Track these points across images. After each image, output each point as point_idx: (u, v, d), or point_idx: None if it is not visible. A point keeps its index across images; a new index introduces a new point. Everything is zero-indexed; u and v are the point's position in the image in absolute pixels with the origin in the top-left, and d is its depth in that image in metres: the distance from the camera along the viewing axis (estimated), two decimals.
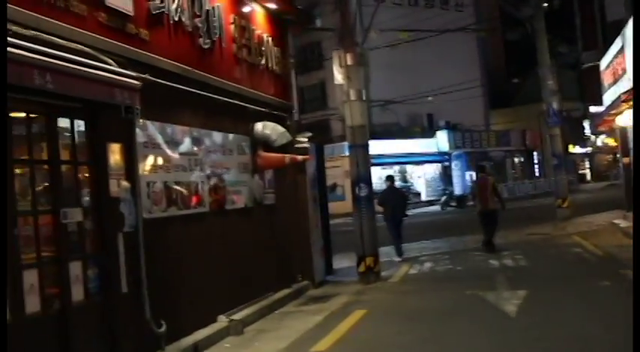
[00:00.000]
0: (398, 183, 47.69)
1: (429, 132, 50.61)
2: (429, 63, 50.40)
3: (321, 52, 53.48)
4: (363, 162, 13.34)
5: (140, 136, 7.65)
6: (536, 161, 59.42)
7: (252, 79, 11.45)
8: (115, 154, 7.17)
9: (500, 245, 17.45)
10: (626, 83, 16.71)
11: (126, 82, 6.98)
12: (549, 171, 60.04)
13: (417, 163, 48.93)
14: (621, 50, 17.21)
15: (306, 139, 13.66)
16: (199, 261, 8.88)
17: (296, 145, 12.97)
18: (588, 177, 66.18)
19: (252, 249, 10.65)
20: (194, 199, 8.87)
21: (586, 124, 64.97)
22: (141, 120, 7.56)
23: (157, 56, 8.17)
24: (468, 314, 9.35)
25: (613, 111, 18.13)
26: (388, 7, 46.52)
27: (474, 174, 50.68)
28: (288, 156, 11.49)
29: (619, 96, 16.13)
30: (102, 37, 7.09)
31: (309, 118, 51.64)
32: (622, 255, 14.08)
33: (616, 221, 20.27)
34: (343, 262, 15.25)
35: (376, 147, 45.98)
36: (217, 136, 9.83)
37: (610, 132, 69.78)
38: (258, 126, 11.16)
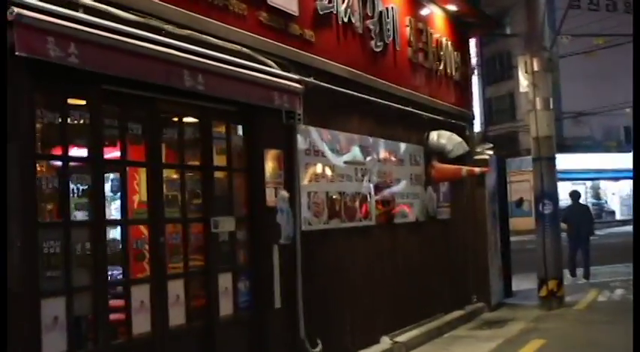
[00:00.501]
0: (590, 201, 45.32)
1: (625, 146, 47.37)
2: (626, 71, 47.22)
3: (511, 61, 51.68)
4: (548, 176, 12.27)
5: (302, 143, 7.22)
6: None
7: (428, 85, 10.79)
8: (273, 161, 6.78)
9: None
10: None
11: (286, 84, 6.60)
12: None
13: (611, 179, 45.91)
14: None
15: (487, 151, 12.79)
16: (362, 276, 8.33)
17: (475, 157, 12.16)
18: None
19: (422, 266, 9.97)
20: (360, 211, 8.33)
21: None
22: (303, 126, 7.16)
23: (322, 59, 7.72)
24: None
25: None
26: (583, 12, 44.21)
27: None
28: (464, 168, 10.70)
29: None
30: (261, 38, 6.72)
31: (497, 130, 50.13)
32: None
33: None
34: (524, 283, 14.13)
35: (567, 161, 43.94)
36: (388, 145, 9.24)
37: None
38: (433, 135, 10.48)
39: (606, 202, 44.62)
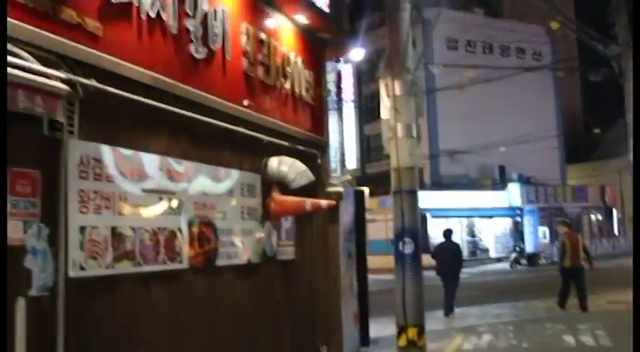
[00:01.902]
0: (466, 238, 45.17)
1: (500, 184, 47.77)
2: (501, 112, 48.01)
3: None
4: (409, 211, 10.95)
5: (74, 163, 5.52)
6: (615, 219, 55.68)
7: (270, 104, 9.30)
8: (23, 185, 5.04)
9: (576, 315, 14.80)
10: None
11: (41, 83, 4.91)
12: (629, 230, 56.65)
13: (486, 217, 45.99)
14: None
15: (342, 182, 11.42)
16: (168, 337, 6.61)
17: (328, 189, 10.74)
18: None
19: (255, 317, 8.38)
20: (164, 252, 6.64)
21: None
22: (78, 141, 5.49)
23: (114, 58, 6.06)
24: None
25: None
26: (460, 55, 44.41)
27: (547, 230, 47.60)
28: (309, 201, 9.21)
29: None
30: (16, 21, 5.03)
31: (375, 167, 49.56)
32: None
33: None
34: (389, 329, 12.72)
35: (443, 198, 43.78)
36: (210, 171, 7.64)
37: None
38: (273, 162, 8.96)
39: (480, 240, 44.51)
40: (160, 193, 6.66)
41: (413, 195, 11.04)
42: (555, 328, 13.03)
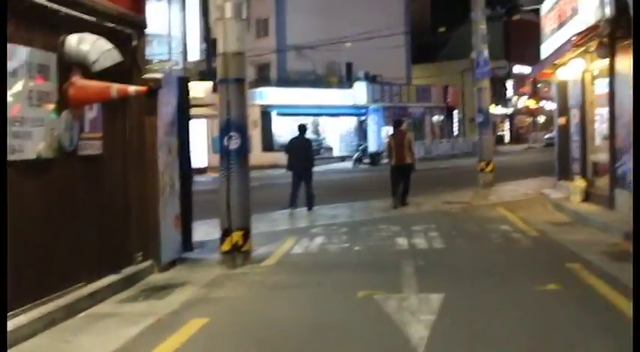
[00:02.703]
0: (311, 137, 44.79)
1: (346, 82, 47.42)
2: (351, 8, 47.11)
3: None
4: (237, 102, 9.90)
5: None
6: (455, 120, 57.17)
7: None
8: None
9: (412, 216, 14.51)
10: (578, 25, 13.68)
11: None
12: (469, 131, 58.47)
13: (331, 115, 45.69)
14: None
15: (165, 69, 10.15)
16: None
17: (145, 75, 9.45)
18: (507, 138, 64.45)
19: (48, 221, 7.19)
20: None
21: (509, 84, 63.22)
22: None
23: None
24: (351, 342, 6.11)
25: (557, 61, 15.17)
26: None
27: (390, 129, 48.00)
28: (115, 87, 7.93)
29: (569, 40, 13.13)
30: None
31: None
32: (559, 237, 11.31)
33: (545, 191, 17.58)
34: (217, 232, 11.82)
35: (289, 96, 42.97)
36: None
37: (531, 94, 68.84)
38: (72, 39, 7.59)
39: (325, 138, 44.29)
40: None
41: (240, 84, 9.98)
42: (390, 230, 12.60)
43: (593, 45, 13.33)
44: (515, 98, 66.08)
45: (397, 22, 49.49)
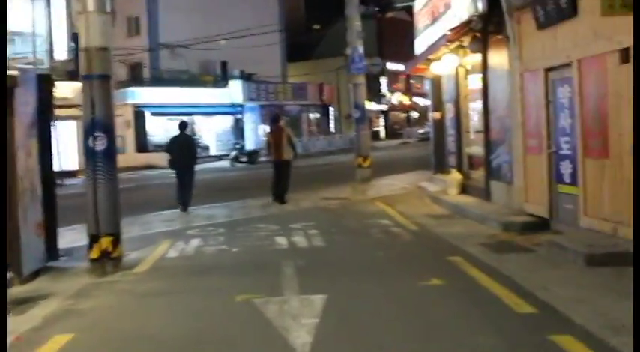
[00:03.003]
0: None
1: (221, 81, 46.68)
2: (224, 5, 46.53)
3: None
4: (102, 101, 9.25)
5: None
6: (332, 117, 57.48)
7: None
8: None
9: (290, 214, 14.23)
10: (451, 21, 13.74)
11: None
12: (345, 128, 58.87)
13: (207, 114, 44.81)
14: None
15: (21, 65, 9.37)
16: None
17: None
18: (382, 134, 65.41)
19: None
20: None
21: (383, 81, 64.15)
22: None
23: None
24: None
25: (431, 56, 15.24)
26: None
27: (267, 127, 47.59)
28: None
29: (443, 35, 13.16)
30: None
31: None
32: (439, 230, 11.33)
33: (422, 184, 17.71)
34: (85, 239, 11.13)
35: (162, 95, 41.81)
36: None
37: (404, 90, 70.22)
38: None
39: (201, 137, 43.36)
40: None
41: (105, 81, 9.35)
42: (268, 229, 12.24)
43: (466, 40, 13.44)
44: (389, 94, 67.16)
45: (271, 20, 49.20)
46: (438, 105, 17.92)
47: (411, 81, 72.46)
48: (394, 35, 58.54)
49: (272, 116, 18.72)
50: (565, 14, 9.62)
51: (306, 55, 62.07)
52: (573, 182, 9.79)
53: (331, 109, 57.12)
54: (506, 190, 12.52)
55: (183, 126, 16.37)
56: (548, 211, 10.53)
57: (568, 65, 9.74)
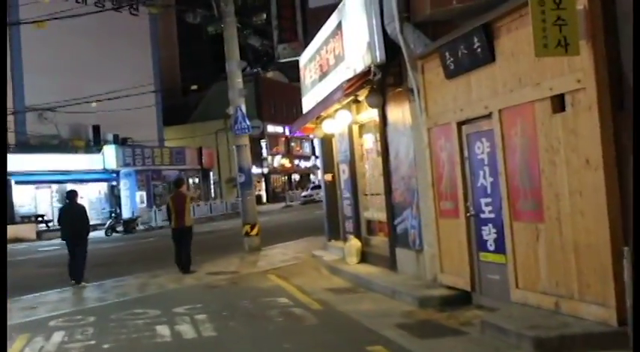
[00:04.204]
0: (57, 206, 41.00)
1: (94, 146, 44.28)
2: (96, 66, 44.52)
3: None
4: None
5: None
6: (212, 181, 55.75)
7: None
8: None
9: (173, 293, 12.50)
10: (344, 73, 12.57)
11: None
12: (226, 193, 57.21)
13: (79, 182, 42.05)
14: (338, 28, 13.05)
15: None
16: None
17: None
18: (264, 198, 64.09)
19: None
20: None
21: (263, 144, 63.17)
22: None
23: None
24: None
25: (322, 113, 13.99)
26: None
27: (144, 194, 45.42)
28: None
29: (339, 86, 11.92)
30: None
31: None
32: (346, 308, 9.91)
33: (316, 253, 16.34)
34: None
35: (30, 162, 38.96)
36: None
37: (285, 153, 69.49)
38: None
39: None
40: None
41: None
42: (148, 315, 10.36)
43: (362, 94, 12.30)
44: (270, 158, 66.17)
45: (147, 80, 47.30)
46: (330, 167, 16.72)
47: (291, 143, 71.97)
48: (272, 97, 57.98)
49: (175, 180, 18.76)
50: (480, 59, 8.56)
51: (183, 119, 60.64)
52: (499, 249, 8.59)
53: (211, 174, 55.44)
54: (415, 259, 11.27)
55: (72, 195, 15.75)
56: (470, 283, 9.29)
57: (486, 116, 8.63)
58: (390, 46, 10.91)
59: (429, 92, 10.17)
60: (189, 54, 71.25)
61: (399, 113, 11.52)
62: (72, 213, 15.19)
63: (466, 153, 9.30)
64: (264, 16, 52.42)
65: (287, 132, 69.94)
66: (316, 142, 20.37)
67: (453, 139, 9.53)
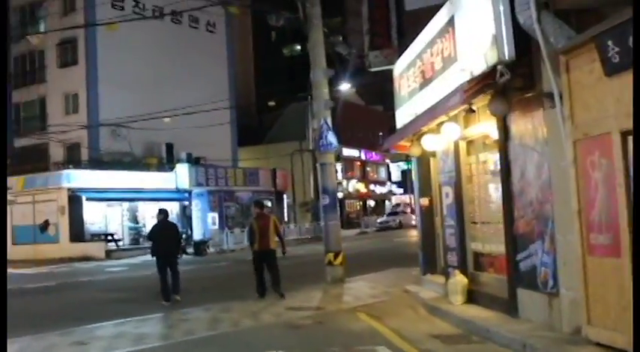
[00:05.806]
0: (128, 224, 40.01)
1: (167, 164, 43.17)
2: (170, 82, 43.69)
3: (44, 61, 44.53)
4: None
5: None
6: (285, 205, 54.02)
7: None
8: None
9: (249, 334, 10.56)
10: (456, 77, 10.50)
11: None
12: (300, 217, 55.41)
13: (151, 200, 40.88)
14: (449, 24, 11.02)
15: None
16: None
17: None
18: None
19: None
20: None
21: (339, 167, 61.36)
22: None
23: None
24: None
25: (424, 127, 11.96)
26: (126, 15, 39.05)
27: (216, 216, 43.98)
28: None
29: (460, 88, 9.84)
30: None
31: (28, 140, 42.53)
32: None
33: (410, 288, 14.25)
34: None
35: (102, 179, 38.06)
36: None
37: (360, 178, 67.49)
38: None
39: (144, 226, 39.34)
40: None
41: None
42: None
43: (478, 101, 10.23)
44: (345, 182, 64.24)
45: (222, 96, 46.11)
46: (426, 190, 14.64)
47: (367, 168, 70.04)
48: (348, 120, 56.14)
49: (255, 200, 18.38)
50: None
51: (257, 139, 59.36)
52: None
53: (285, 197, 53.73)
54: (546, 304, 9.07)
55: (164, 212, 15.81)
56: (634, 342, 7.07)
57: None
58: (519, 40, 8.87)
59: (576, 95, 8.04)
60: (265, 72, 70.23)
61: (527, 123, 9.42)
62: (165, 230, 15.30)
63: (632, 173, 7.13)
64: (339, 19, 50.48)
65: (362, 156, 68.15)
66: (396, 165, 18.27)
67: (613, 154, 7.35)
